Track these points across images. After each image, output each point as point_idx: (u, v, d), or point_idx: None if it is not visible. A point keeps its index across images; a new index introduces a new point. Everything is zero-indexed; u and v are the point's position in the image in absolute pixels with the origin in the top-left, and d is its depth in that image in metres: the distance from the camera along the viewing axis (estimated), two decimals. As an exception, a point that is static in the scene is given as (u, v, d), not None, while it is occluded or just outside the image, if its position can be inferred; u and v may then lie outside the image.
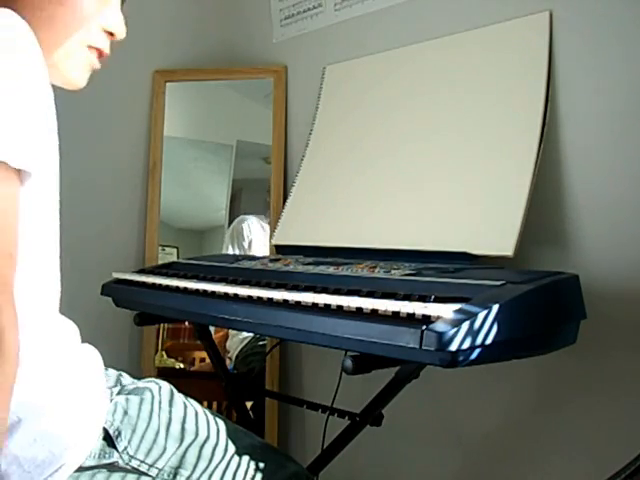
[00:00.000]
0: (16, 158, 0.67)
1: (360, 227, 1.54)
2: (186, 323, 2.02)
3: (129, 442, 0.84)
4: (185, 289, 1.29)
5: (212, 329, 1.76)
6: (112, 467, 0.82)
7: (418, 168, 1.49)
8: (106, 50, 0.90)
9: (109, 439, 0.82)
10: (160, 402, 0.92)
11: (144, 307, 1.47)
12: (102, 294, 1.47)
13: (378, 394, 1.35)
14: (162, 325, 2.04)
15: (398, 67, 1.63)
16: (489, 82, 1.43)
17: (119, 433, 0.83)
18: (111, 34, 0.90)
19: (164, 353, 2.06)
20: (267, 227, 2.01)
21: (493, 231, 1.30)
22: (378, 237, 1.48)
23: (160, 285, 1.36)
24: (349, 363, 0.95)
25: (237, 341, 2.03)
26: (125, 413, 0.86)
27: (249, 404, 1.84)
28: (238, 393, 1.64)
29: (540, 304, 1.01)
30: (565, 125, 1.35)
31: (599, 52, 1.32)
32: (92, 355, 0.90)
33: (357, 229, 1.54)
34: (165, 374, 2.01)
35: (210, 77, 2.07)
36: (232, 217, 2.12)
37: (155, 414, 0.89)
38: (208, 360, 1.74)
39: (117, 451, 0.82)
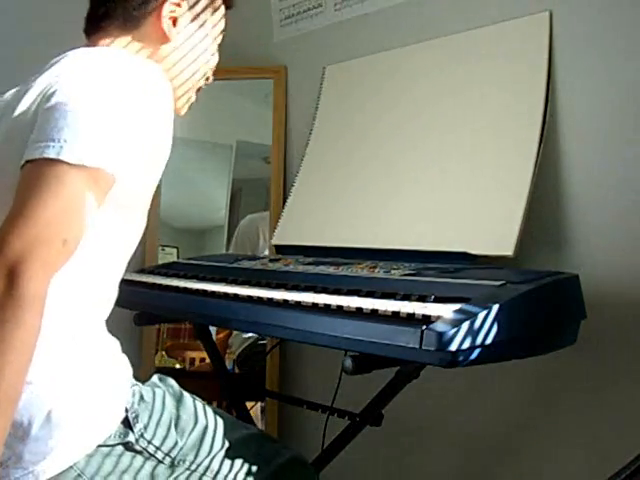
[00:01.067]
0: (99, 162, 0.76)
1: (360, 227, 1.54)
2: (186, 323, 2.02)
3: (145, 427, 0.87)
4: (185, 289, 1.29)
5: (213, 329, 1.76)
6: (126, 447, 0.86)
7: (418, 168, 1.49)
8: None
9: (126, 421, 0.86)
10: (167, 393, 0.95)
11: (144, 307, 1.47)
12: (102, 294, 1.47)
13: (378, 394, 1.35)
14: (162, 325, 2.03)
15: (398, 67, 1.63)
16: (489, 82, 1.43)
17: (136, 416, 0.87)
18: (207, 79, 1.14)
19: (164, 353, 2.06)
20: None
21: (493, 231, 1.30)
22: (378, 237, 1.48)
23: (160, 285, 1.36)
24: (349, 363, 0.96)
25: (240, 339, 2.02)
26: (142, 399, 0.90)
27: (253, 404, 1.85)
28: (238, 393, 1.64)
29: (540, 304, 1.01)
30: (565, 125, 1.35)
31: (599, 52, 1.32)
32: (122, 360, 0.95)
33: (357, 229, 1.54)
34: (165, 374, 2.00)
35: (210, 77, 2.07)
36: (232, 217, 2.12)
37: (167, 404, 0.93)
38: (208, 360, 1.74)
39: (132, 432, 0.86)
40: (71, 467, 0.80)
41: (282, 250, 1.68)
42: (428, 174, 1.47)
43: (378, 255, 1.40)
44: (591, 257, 1.31)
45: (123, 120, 0.80)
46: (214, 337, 1.74)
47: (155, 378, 1.00)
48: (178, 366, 2.10)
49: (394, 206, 1.50)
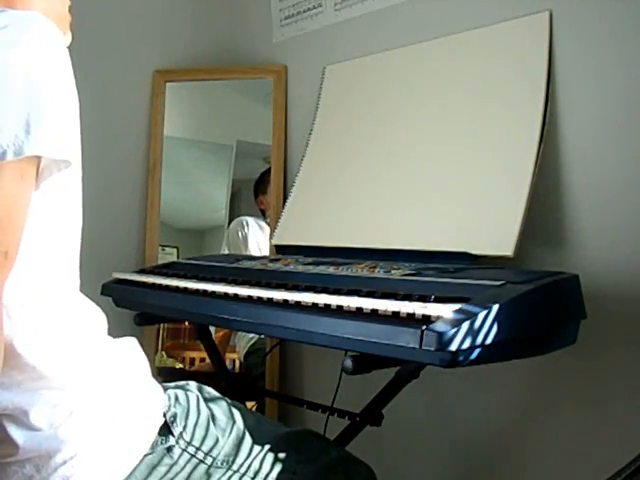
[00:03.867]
0: (55, 152, 0.70)
1: (360, 227, 1.54)
2: (186, 323, 2.02)
3: (184, 429, 0.86)
4: (185, 289, 1.29)
5: (212, 329, 1.76)
6: (168, 450, 0.85)
7: (418, 168, 1.49)
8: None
9: (164, 425, 0.85)
10: (200, 395, 0.94)
11: (144, 307, 1.47)
12: (102, 294, 1.47)
13: (378, 394, 1.35)
14: (162, 325, 2.03)
15: (398, 67, 1.63)
16: (489, 82, 1.43)
17: (174, 419, 0.86)
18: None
19: (164, 353, 2.06)
20: (264, 225, 2.01)
21: (493, 231, 1.30)
22: (378, 237, 1.48)
23: (160, 285, 1.36)
24: (349, 363, 0.96)
25: (246, 340, 2.02)
26: (177, 401, 0.89)
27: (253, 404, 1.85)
28: (238, 393, 1.64)
29: (540, 304, 1.01)
30: (565, 125, 1.35)
31: (599, 52, 1.32)
32: (132, 344, 0.92)
33: (357, 229, 1.54)
34: (165, 374, 2.00)
35: (210, 77, 2.07)
36: (232, 217, 2.12)
37: (201, 405, 0.92)
38: (208, 360, 1.74)
39: (173, 436, 0.85)
40: None
41: (282, 250, 1.68)
42: (428, 174, 1.47)
43: (378, 255, 1.40)
44: (591, 257, 1.31)
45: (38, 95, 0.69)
46: (213, 336, 1.74)
47: (182, 382, 0.99)
48: (179, 366, 2.10)
49: (394, 206, 1.50)
